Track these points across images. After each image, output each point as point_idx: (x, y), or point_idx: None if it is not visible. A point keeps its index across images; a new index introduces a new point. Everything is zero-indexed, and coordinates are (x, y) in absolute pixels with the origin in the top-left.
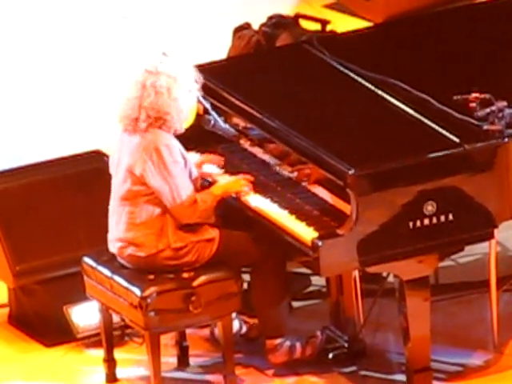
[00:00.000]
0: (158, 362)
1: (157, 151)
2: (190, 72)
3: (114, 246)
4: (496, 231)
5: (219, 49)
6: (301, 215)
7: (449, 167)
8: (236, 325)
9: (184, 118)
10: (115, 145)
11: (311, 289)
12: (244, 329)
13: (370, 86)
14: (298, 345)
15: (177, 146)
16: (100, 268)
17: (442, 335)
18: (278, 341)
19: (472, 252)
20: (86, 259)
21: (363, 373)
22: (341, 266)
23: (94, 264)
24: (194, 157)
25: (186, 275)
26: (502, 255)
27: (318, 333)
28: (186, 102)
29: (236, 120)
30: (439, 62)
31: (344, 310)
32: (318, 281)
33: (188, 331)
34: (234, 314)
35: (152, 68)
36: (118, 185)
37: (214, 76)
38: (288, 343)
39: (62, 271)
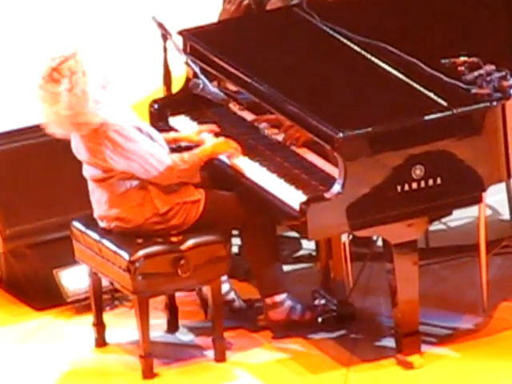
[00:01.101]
0: (147, 325)
1: (109, 139)
2: (86, 57)
3: (101, 222)
4: (485, 194)
5: (210, 13)
6: (289, 179)
7: (437, 131)
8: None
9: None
10: (71, 138)
11: (301, 252)
12: (229, 297)
13: (359, 49)
14: (298, 307)
15: (123, 122)
16: (89, 232)
17: (433, 299)
18: (278, 298)
19: (463, 215)
20: (75, 223)
21: (352, 336)
22: (329, 230)
23: (82, 228)
24: (191, 126)
25: (174, 239)
26: (492, 219)
27: (322, 301)
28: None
29: (225, 84)
30: (430, 25)
31: (333, 274)
32: (308, 244)
33: (178, 295)
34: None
35: (54, 75)
36: (87, 170)
37: (203, 40)
38: (289, 303)
39: (52, 235)
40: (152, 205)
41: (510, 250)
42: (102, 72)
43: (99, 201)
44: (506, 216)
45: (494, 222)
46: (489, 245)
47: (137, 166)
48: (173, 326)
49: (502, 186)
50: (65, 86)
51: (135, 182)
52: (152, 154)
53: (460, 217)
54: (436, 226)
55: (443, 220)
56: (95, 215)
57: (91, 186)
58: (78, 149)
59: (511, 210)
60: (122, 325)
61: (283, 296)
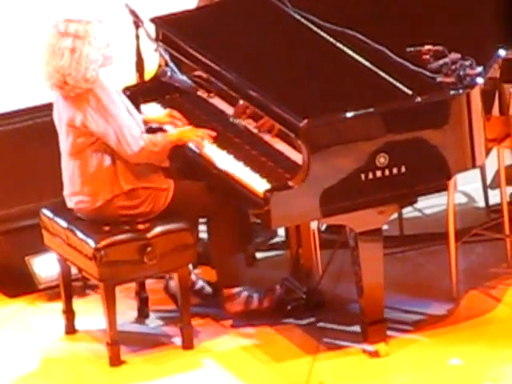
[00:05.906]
0: (113, 313)
1: (94, 95)
2: (100, 31)
3: (70, 201)
4: (451, 182)
5: (189, 1)
6: (255, 167)
7: (401, 119)
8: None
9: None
10: (54, 103)
11: (276, 240)
12: (198, 285)
13: (328, 37)
14: (255, 296)
15: (111, 86)
16: (56, 219)
17: (407, 286)
18: (236, 290)
19: (438, 203)
20: (44, 211)
21: (321, 324)
22: (292, 218)
23: (51, 215)
24: (158, 111)
25: (141, 226)
26: (468, 206)
27: (277, 286)
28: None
29: (196, 72)
30: (398, 13)
31: (303, 261)
32: (282, 231)
33: (148, 282)
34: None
35: (62, 29)
36: (63, 141)
37: (175, 27)
38: (246, 293)
39: (24, 222)
40: (118, 182)
41: (483, 238)
42: (105, 51)
43: (71, 177)
44: (482, 204)
45: (470, 209)
46: (461, 232)
47: (112, 132)
48: (143, 314)
49: (477, 174)
50: (68, 44)
51: (107, 157)
52: (128, 127)
53: (434, 204)
54: (411, 214)
55: (418, 207)
56: (66, 192)
57: (64, 164)
58: (61, 112)
59: (486, 197)
60: (92, 312)
61: (239, 288)
